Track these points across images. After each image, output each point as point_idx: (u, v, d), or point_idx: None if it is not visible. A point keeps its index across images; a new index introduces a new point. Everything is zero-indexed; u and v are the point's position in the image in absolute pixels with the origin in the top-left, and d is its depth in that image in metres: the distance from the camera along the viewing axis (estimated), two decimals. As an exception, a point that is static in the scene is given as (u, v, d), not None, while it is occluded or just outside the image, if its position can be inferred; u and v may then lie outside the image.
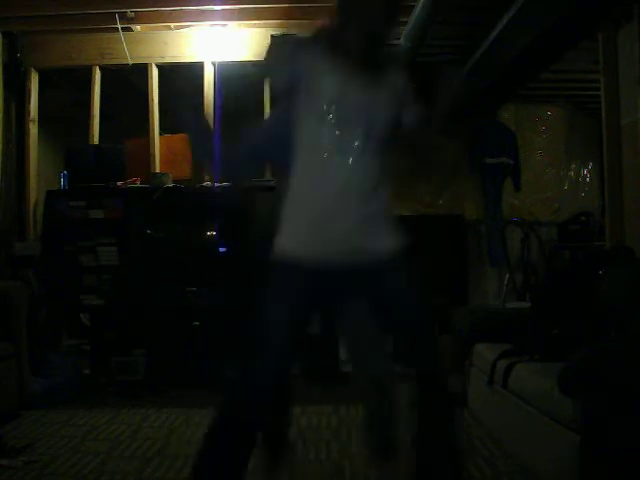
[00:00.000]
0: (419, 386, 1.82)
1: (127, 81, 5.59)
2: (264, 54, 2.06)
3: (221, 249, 4.58)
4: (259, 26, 5.08)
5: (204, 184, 4.90)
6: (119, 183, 4.78)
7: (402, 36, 4.34)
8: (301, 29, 5.09)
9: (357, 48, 1.79)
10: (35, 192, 5.20)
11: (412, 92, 1.88)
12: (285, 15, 4.87)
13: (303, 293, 1.75)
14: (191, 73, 5.34)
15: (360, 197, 1.75)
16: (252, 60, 5.16)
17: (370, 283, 1.78)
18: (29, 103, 5.20)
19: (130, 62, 5.13)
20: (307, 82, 1.78)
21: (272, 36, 5.11)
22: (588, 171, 6.66)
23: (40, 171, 5.32)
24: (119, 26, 4.91)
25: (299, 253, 1.73)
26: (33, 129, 5.23)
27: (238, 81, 5.18)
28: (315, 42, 1.82)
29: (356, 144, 1.76)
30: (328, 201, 1.74)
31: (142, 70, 5.24)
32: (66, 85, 5.79)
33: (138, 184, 4.83)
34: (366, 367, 2.27)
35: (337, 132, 1.75)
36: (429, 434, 1.81)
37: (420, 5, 3.88)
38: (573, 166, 6.57)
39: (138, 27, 5.15)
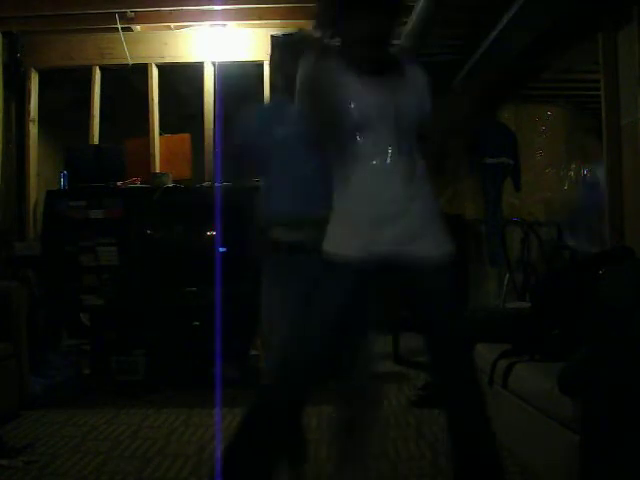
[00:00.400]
0: (454, 408, 1.79)
1: (127, 81, 5.60)
2: (271, 54, 2.05)
3: (221, 249, 4.58)
4: (259, 26, 5.08)
5: (204, 184, 4.90)
6: (119, 183, 4.78)
7: (402, 36, 4.34)
8: (301, 29, 5.11)
9: (362, 55, 1.78)
10: (35, 192, 5.20)
11: (431, 87, 1.88)
12: (285, 15, 4.88)
13: (351, 294, 1.76)
14: (191, 73, 5.34)
15: (404, 199, 1.76)
16: (252, 60, 5.17)
17: (414, 289, 1.79)
18: (29, 103, 5.20)
19: (130, 62, 5.14)
20: (321, 90, 1.77)
21: (272, 36, 5.10)
22: (588, 171, 6.67)
23: (40, 171, 5.32)
24: (119, 26, 4.92)
25: (349, 257, 1.74)
26: (33, 129, 5.24)
27: (238, 81, 5.18)
28: (320, 48, 1.80)
29: (390, 148, 1.76)
30: (372, 207, 1.76)
31: (142, 70, 5.25)
32: (66, 85, 5.79)
33: (138, 184, 4.83)
34: (354, 373, 2.23)
35: (370, 138, 1.76)
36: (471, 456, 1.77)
37: (420, 5, 3.88)
38: (573, 166, 6.57)
39: (138, 27, 5.16)
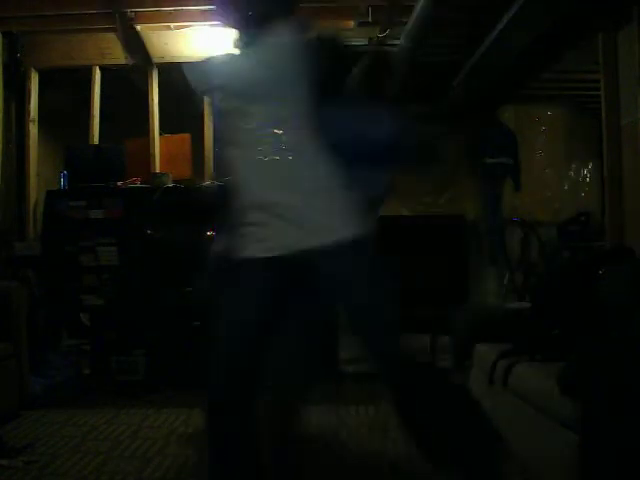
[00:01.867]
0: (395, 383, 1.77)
1: (127, 81, 5.59)
2: None
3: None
4: (259, 26, 5.07)
5: (204, 184, 4.90)
6: (119, 183, 4.78)
7: (402, 36, 4.34)
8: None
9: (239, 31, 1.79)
10: (35, 192, 5.20)
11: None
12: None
13: (255, 292, 1.74)
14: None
15: (292, 183, 1.70)
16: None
17: (319, 277, 1.73)
18: (29, 103, 5.20)
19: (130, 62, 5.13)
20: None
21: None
22: (588, 171, 6.67)
23: (40, 171, 5.32)
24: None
25: (244, 252, 1.73)
26: (33, 129, 5.23)
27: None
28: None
29: (275, 130, 1.71)
30: (261, 196, 1.72)
31: (142, 70, 5.24)
32: (66, 85, 5.79)
33: (138, 184, 4.83)
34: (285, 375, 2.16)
35: (249, 121, 1.73)
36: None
37: (420, 5, 3.88)
38: (573, 166, 6.58)
39: (138, 27, 5.15)
